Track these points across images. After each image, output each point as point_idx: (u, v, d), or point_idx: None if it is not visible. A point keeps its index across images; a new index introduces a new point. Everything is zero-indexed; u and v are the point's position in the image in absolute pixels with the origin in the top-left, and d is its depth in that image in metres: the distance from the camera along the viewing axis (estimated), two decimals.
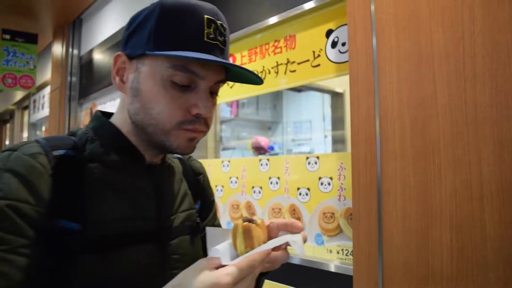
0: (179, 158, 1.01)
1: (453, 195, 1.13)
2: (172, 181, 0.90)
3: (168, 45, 0.71)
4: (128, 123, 0.80)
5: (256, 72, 2.02)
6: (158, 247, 0.78)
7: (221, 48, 0.75)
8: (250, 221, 0.67)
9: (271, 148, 4.23)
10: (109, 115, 0.86)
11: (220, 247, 0.63)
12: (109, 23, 3.73)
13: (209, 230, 0.67)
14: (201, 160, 2.37)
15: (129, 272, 0.72)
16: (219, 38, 0.74)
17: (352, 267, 1.39)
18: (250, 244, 0.64)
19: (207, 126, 0.78)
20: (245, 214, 2.04)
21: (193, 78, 0.73)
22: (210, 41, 0.73)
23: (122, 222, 0.74)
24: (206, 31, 0.72)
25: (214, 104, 0.81)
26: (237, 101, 4.15)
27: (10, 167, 0.66)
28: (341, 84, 3.42)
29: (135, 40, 0.75)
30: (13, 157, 0.68)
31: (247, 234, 0.64)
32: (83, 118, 4.16)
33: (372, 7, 1.34)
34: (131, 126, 0.79)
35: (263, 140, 3.74)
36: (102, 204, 0.73)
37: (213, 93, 0.79)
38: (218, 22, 0.75)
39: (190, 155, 0.98)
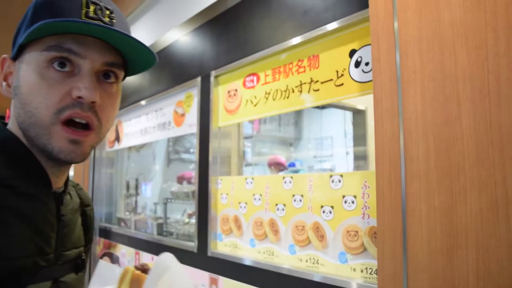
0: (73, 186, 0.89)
1: (478, 216, 1.13)
2: (72, 212, 0.79)
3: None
4: (21, 135, 0.69)
5: (280, 92, 2.07)
6: (52, 286, 0.70)
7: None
8: (144, 271, 0.57)
9: (292, 164, 4.25)
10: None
11: None
12: None
13: (101, 264, 0.57)
14: (224, 177, 2.44)
15: None
16: (103, 18, 0.67)
17: (376, 286, 1.39)
18: None
19: (98, 118, 0.67)
20: (269, 231, 2.06)
21: (72, 58, 0.64)
22: (90, 20, 0.65)
23: (25, 259, 0.64)
24: (84, 10, 0.65)
25: (114, 93, 0.71)
26: (259, 118, 4.19)
27: None
28: (363, 101, 3.43)
29: (20, 35, 0.68)
30: None
31: (135, 285, 0.56)
32: (108, 135, 4.25)
33: (396, 28, 1.36)
34: (24, 139, 0.68)
35: (281, 158, 3.78)
36: (7, 238, 0.61)
37: (110, 81, 0.70)
38: (101, 3, 0.68)
39: (78, 183, 0.88)
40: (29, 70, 0.64)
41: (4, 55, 0.71)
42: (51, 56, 0.63)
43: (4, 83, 0.70)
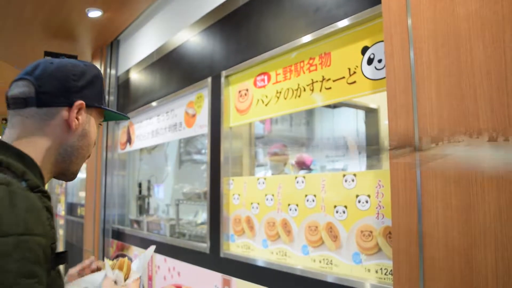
0: None
1: (497, 215, 1.10)
2: None
3: (104, 102, 1.03)
4: (53, 154, 0.94)
5: (291, 91, 2.05)
6: None
7: None
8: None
9: None
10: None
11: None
12: (145, 45, 3.84)
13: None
14: (236, 178, 2.42)
15: None
16: None
17: (391, 287, 1.36)
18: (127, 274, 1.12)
19: None
20: (281, 231, 2.04)
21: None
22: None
23: (56, 243, 0.85)
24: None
25: None
26: (271, 118, 4.16)
27: (21, 203, 0.75)
28: (375, 100, 3.39)
29: (90, 93, 0.97)
30: (17, 192, 0.75)
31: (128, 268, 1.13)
32: (120, 137, 4.27)
33: (409, 24, 1.33)
34: (54, 157, 0.94)
35: (308, 158, 3.74)
36: (53, 229, 0.83)
37: None
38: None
39: None
40: (93, 124, 1.00)
41: (81, 101, 0.94)
42: (102, 122, 1.06)
43: (76, 120, 0.95)
